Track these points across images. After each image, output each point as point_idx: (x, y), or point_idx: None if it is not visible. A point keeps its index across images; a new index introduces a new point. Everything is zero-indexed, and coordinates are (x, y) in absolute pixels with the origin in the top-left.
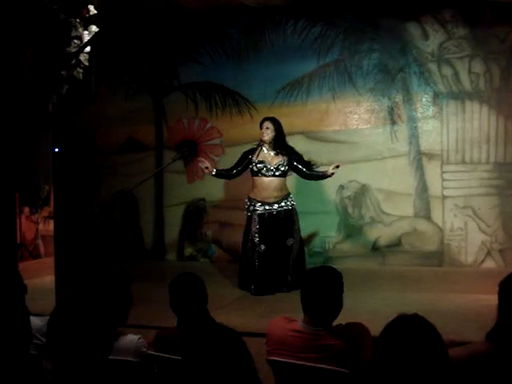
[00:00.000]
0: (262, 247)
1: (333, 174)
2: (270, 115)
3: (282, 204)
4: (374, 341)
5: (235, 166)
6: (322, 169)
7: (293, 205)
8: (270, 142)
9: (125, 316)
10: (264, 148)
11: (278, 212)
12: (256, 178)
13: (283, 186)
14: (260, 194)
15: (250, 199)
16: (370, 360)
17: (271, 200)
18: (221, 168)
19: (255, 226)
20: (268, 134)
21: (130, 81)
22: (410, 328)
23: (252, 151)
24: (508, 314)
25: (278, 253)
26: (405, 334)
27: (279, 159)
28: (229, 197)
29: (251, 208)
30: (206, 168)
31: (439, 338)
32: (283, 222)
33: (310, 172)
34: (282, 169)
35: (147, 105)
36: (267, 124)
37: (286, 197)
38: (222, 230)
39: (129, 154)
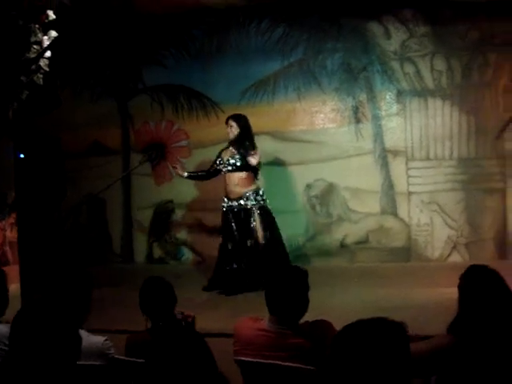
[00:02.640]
0: (229, 245)
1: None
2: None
3: (242, 202)
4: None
5: (210, 167)
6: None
7: (255, 203)
8: (236, 140)
9: (82, 319)
10: (231, 146)
11: (239, 210)
12: (224, 175)
13: (244, 182)
14: (225, 190)
15: (224, 195)
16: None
17: (233, 196)
18: (195, 172)
19: (222, 224)
20: (232, 132)
21: (94, 84)
22: (371, 331)
23: (221, 151)
24: (467, 307)
25: (243, 252)
26: (365, 337)
27: (233, 153)
28: (198, 198)
29: (222, 204)
30: (174, 167)
31: (404, 344)
32: (243, 221)
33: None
34: (232, 162)
35: (112, 108)
36: (230, 122)
37: (249, 194)
38: (191, 231)
39: (95, 158)
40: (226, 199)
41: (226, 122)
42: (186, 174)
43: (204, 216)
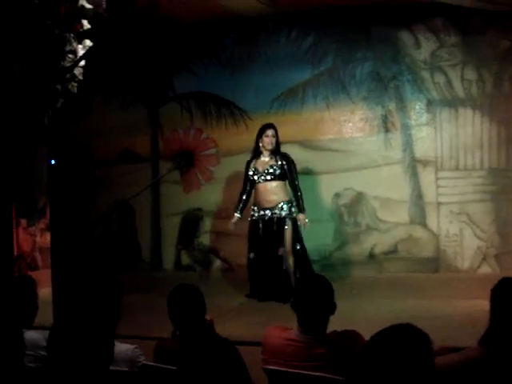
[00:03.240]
0: (251, 255)
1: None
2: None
3: (276, 211)
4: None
5: (245, 185)
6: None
7: (289, 214)
8: (274, 150)
9: (114, 326)
10: (262, 156)
11: (271, 219)
12: (255, 185)
13: (280, 191)
14: (257, 199)
15: (252, 205)
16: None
17: (266, 205)
18: (240, 204)
19: (250, 233)
20: (273, 142)
21: (125, 92)
22: (398, 339)
23: (249, 163)
24: (500, 319)
25: (269, 261)
26: (392, 345)
27: (271, 162)
28: (226, 206)
29: (251, 213)
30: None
31: (428, 351)
32: (275, 230)
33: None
34: (271, 171)
35: (143, 116)
36: (272, 132)
37: (283, 204)
38: (219, 239)
39: (126, 165)
40: (256, 208)
41: (264, 131)
42: (237, 215)
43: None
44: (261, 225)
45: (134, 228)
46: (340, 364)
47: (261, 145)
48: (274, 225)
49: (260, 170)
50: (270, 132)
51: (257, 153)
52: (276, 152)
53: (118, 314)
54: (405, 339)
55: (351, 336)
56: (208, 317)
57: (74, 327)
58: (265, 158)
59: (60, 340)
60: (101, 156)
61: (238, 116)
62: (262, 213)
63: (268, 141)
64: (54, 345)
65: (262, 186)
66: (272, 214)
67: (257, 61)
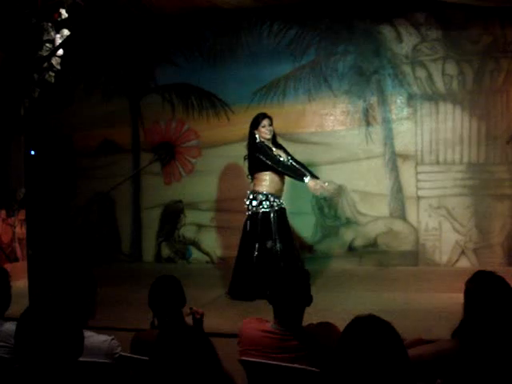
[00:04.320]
0: (278, 246)
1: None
2: (247, 117)
3: (282, 201)
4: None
5: (279, 157)
6: None
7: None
8: (269, 139)
9: (86, 318)
10: (274, 145)
11: (284, 208)
12: (270, 172)
13: None
14: (274, 188)
15: (266, 194)
16: (332, 361)
17: (280, 194)
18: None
19: (274, 223)
20: (271, 131)
21: (106, 83)
22: (366, 329)
23: (269, 148)
24: (472, 312)
25: (292, 252)
26: (361, 336)
27: (286, 154)
28: (207, 199)
29: (267, 203)
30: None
31: (396, 336)
32: (284, 220)
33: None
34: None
35: (124, 107)
36: (268, 121)
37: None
38: (200, 231)
39: (106, 157)
40: (272, 198)
41: (261, 121)
42: (320, 179)
43: (213, 216)
44: (281, 215)
45: (115, 219)
46: (315, 356)
47: (257, 136)
48: (283, 216)
49: (286, 158)
50: (266, 122)
51: (259, 143)
52: (274, 142)
53: (91, 306)
54: (370, 329)
55: (327, 328)
56: (197, 309)
57: (41, 318)
58: (279, 149)
59: (27, 330)
60: (82, 147)
61: (219, 108)
62: (279, 202)
63: (265, 130)
64: (21, 335)
65: (278, 176)
66: (281, 203)
67: (239, 53)
